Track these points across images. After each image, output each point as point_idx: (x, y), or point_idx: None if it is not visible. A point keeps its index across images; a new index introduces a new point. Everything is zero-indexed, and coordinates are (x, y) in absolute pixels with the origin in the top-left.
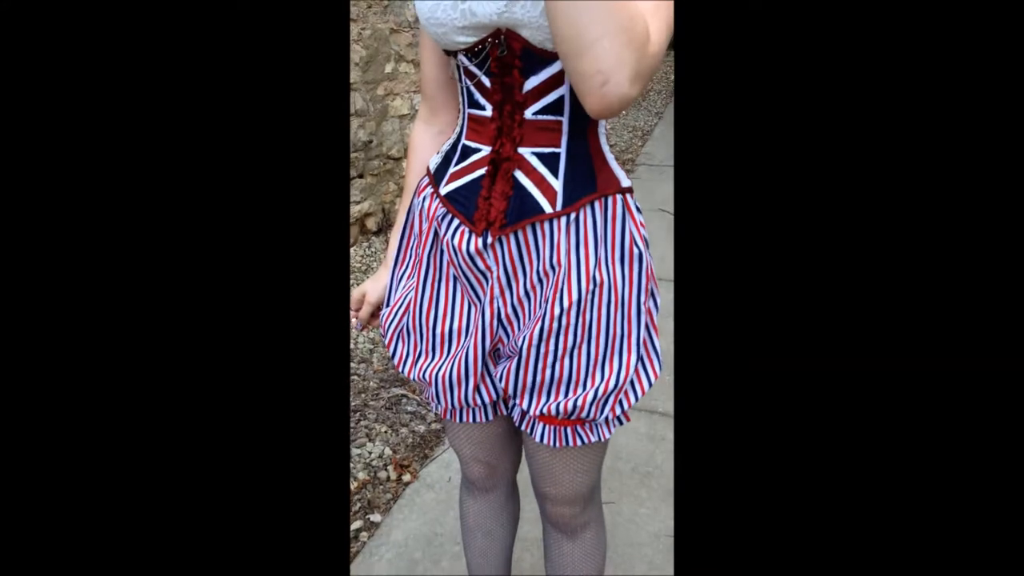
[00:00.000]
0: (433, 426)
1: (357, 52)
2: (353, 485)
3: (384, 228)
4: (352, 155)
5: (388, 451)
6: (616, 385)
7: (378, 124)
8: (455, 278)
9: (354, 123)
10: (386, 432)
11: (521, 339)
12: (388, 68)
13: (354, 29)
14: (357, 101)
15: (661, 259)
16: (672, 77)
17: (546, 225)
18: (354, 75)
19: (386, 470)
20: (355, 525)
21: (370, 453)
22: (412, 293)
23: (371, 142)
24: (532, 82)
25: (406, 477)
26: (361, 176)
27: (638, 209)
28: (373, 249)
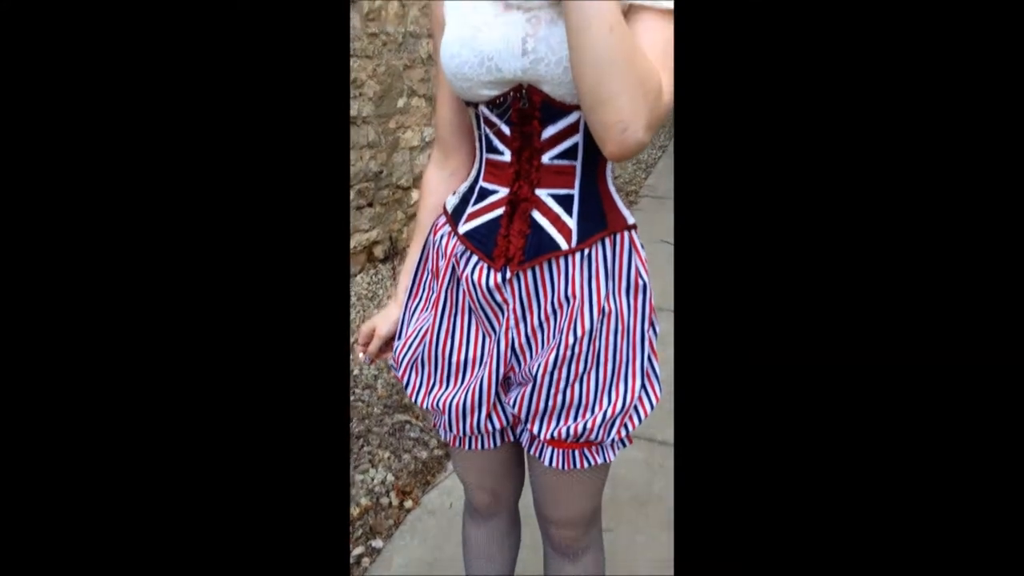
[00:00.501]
0: (435, 452)
1: (371, 87)
2: (356, 511)
3: (391, 256)
4: (362, 185)
5: (390, 477)
6: (622, 408)
7: (389, 155)
8: (470, 311)
9: (365, 155)
10: (389, 458)
11: (536, 366)
12: (400, 103)
13: (368, 66)
14: (369, 134)
15: (664, 289)
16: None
17: (561, 261)
18: (367, 109)
19: (388, 496)
20: (357, 551)
21: (373, 479)
22: (427, 325)
23: (381, 172)
24: (550, 131)
25: (408, 503)
26: (371, 205)
27: (641, 244)
28: (380, 276)
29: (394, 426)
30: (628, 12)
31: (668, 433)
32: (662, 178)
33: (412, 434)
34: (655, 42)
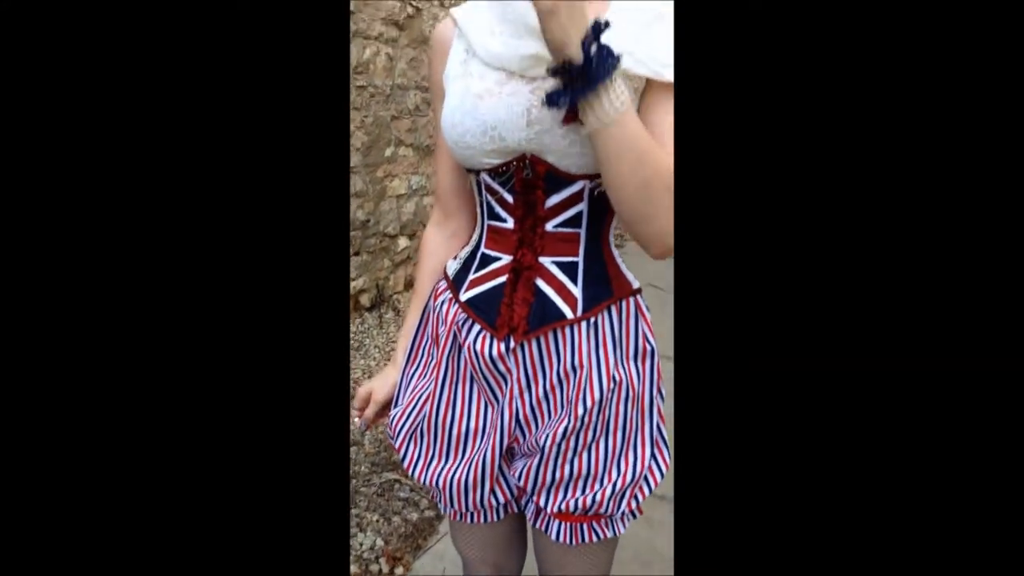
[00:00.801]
0: (426, 513)
1: (359, 138)
2: None
3: (378, 304)
4: (350, 234)
5: (380, 542)
6: (632, 479)
7: (376, 204)
8: (472, 379)
9: (353, 203)
10: (378, 521)
11: (543, 438)
12: (388, 152)
13: (357, 117)
14: (357, 183)
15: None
16: None
17: (567, 330)
18: (355, 159)
19: (378, 563)
20: None
21: (361, 545)
22: (427, 394)
23: (368, 221)
24: (554, 199)
25: (399, 570)
26: (357, 254)
27: (647, 308)
28: (366, 325)
29: (383, 486)
30: (645, 91)
31: (667, 488)
32: None
33: (402, 494)
34: (666, 116)
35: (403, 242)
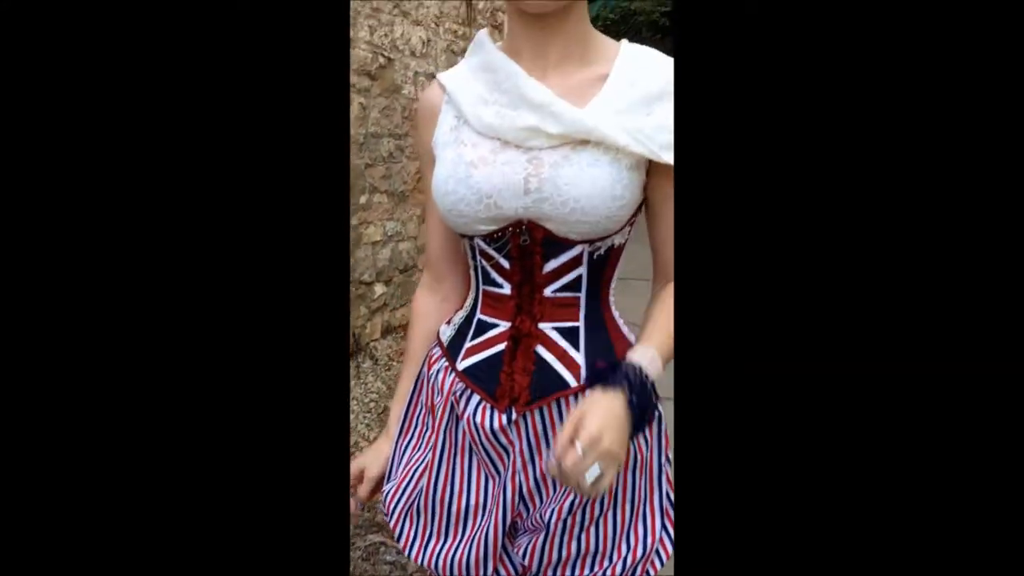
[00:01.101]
0: None
1: None
2: None
3: (355, 352)
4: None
5: None
6: (643, 554)
7: (351, 251)
8: (471, 452)
9: None
10: None
11: (548, 513)
12: (363, 199)
13: None
14: None
15: None
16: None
17: (571, 399)
18: None
19: None
20: None
21: None
22: (423, 466)
23: None
24: (552, 264)
25: None
26: None
27: None
28: None
29: (367, 549)
30: (650, 165)
31: None
32: (627, 262)
33: (388, 557)
34: (669, 202)
35: (379, 289)
